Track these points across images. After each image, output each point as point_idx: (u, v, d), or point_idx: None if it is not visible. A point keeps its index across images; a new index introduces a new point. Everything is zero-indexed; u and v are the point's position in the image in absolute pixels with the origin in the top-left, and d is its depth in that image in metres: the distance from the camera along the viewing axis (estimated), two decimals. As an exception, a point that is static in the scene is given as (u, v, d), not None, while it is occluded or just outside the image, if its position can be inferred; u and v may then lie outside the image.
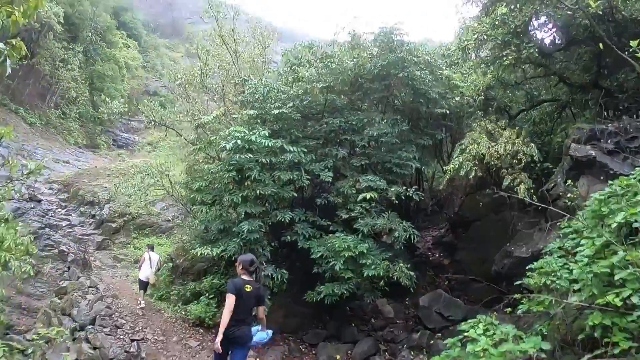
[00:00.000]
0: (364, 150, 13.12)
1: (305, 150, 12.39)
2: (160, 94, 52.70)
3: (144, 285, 14.42)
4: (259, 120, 13.05)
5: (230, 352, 6.21)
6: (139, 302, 14.06)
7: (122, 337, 11.62)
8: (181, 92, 17.44)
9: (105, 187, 25.86)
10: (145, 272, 14.35)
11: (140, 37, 67.41)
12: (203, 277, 14.14)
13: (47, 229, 20.54)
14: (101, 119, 47.61)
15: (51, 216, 22.19)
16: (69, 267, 18.17)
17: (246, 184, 11.82)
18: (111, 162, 36.06)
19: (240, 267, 6.38)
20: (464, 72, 15.68)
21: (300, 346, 12.75)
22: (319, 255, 11.40)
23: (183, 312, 13.38)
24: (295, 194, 12.48)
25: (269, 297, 11.56)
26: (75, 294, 14.80)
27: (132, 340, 11.41)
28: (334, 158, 12.75)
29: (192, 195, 13.28)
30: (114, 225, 23.29)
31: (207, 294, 13.31)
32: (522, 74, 14.59)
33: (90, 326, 12.16)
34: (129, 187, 17.61)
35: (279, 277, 11.61)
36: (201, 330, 12.79)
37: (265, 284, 11.45)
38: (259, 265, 6.69)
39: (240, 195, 11.74)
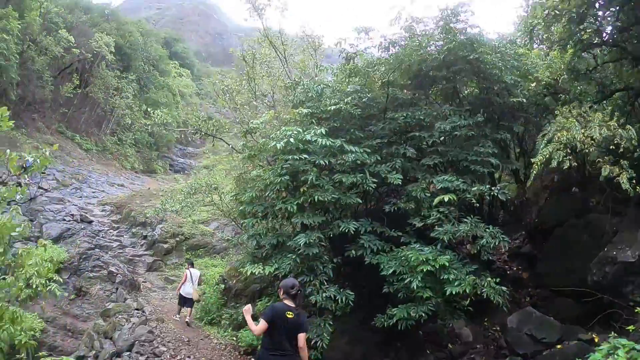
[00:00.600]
0: (435, 147, 11.02)
1: (369, 150, 10.40)
2: (215, 119, 52.02)
3: (183, 300, 13.74)
4: (313, 120, 11.19)
5: None
6: (175, 316, 13.75)
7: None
8: (227, 99, 15.90)
9: (157, 206, 24.68)
10: (187, 288, 13.56)
11: (192, 66, 67.95)
12: (257, 300, 12.34)
13: (96, 250, 19.33)
14: (158, 145, 47.81)
15: (102, 237, 21.05)
16: (117, 289, 16.78)
17: (302, 190, 9.94)
18: (165, 184, 35.26)
19: (281, 292, 5.93)
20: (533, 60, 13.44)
21: (369, 380, 10.58)
22: (390, 272, 9.29)
23: (234, 339, 11.53)
24: (359, 201, 10.42)
25: (330, 322, 9.56)
26: (119, 316, 13.41)
27: (170, 372, 9.64)
28: (402, 158, 10.66)
29: (241, 208, 11.50)
30: (165, 246, 21.91)
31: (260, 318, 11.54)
32: (593, 60, 12.31)
33: (127, 353, 10.66)
34: (176, 203, 16.11)
35: (344, 299, 9.53)
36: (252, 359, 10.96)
37: (328, 307, 9.43)
38: (300, 289, 6.01)
39: (295, 203, 9.85)
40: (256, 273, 9.87)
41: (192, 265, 14.67)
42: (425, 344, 11.21)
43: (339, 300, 9.50)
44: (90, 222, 21.83)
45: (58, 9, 37.92)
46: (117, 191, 30.44)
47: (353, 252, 9.94)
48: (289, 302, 5.74)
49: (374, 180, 10.07)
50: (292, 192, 10.20)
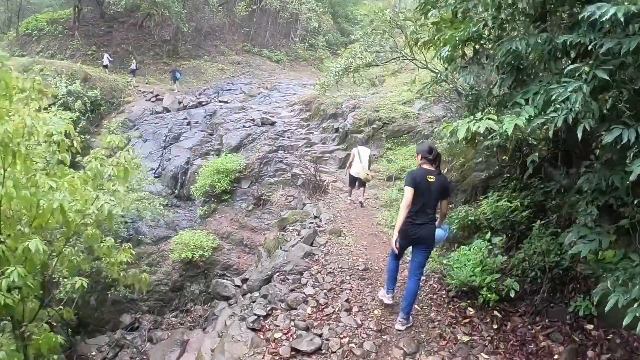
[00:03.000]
0: None
1: None
2: (407, 7, 45.23)
3: (353, 180, 11.09)
4: None
5: (412, 249, 4.96)
6: (347, 198, 11.46)
7: (282, 330, 4.90)
8: None
9: (349, 95, 19.73)
10: (356, 168, 10.72)
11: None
12: (480, 198, 6.54)
13: (279, 152, 15.44)
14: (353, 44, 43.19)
15: (287, 137, 17.12)
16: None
17: None
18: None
19: (419, 157, 4.99)
20: None
21: None
22: None
23: (441, 264, 5.85)
24: None
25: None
26: (290, 227, 9.19)
27: (294, 350, 4.49)
28: None
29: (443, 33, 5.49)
30: (359, 136, 16.83)
31: (486, 228, 5.83)
32: None
33: (257, 293, 6.27)
34: (341, 59, 10.73)
35: None
36: (471, 310, 5.13)
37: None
38: (439, 152, 4.94)
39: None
40: (481, 130, 3.83)
41: (362, 143, 11.83)
42: None
43: None
44: (273, 123, 18.10)
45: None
46: (309, 91, 26.57)
47: None
48: (428, 167, 4.85)
49: None
50: None
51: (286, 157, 15.09)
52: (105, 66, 23.85)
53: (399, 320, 4.86)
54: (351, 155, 10.97)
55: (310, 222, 9.12)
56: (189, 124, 18.31)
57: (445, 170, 8.42)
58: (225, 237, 12.37)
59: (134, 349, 10.55)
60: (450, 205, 6.22)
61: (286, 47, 38.22)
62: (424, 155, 4.87)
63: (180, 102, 20.40)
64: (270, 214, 12.48)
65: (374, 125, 16.95)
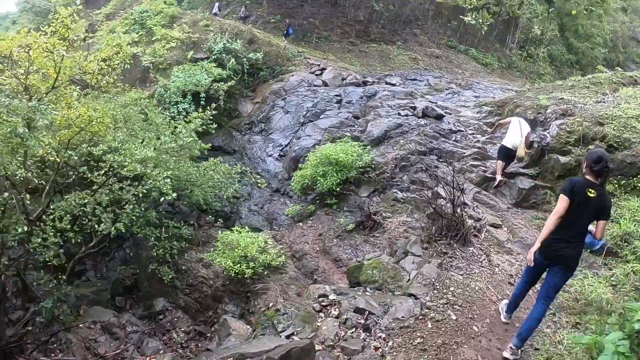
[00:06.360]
0: None
1: None
2: None
3: (507, 155, 8.50)
4: None
5: (548, 270, 4.10)
6: (496, 176, 8.72)
7: None
8: None
9: (561, 98, 12.81)
10: (514, 139, 8.35)
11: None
12: None
13: (429, 156, 10.01)
14: (581, 64, 34.10)
15: (453, 140, 11.50)
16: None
17: None
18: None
19: (584, 165, 4.10)
20: None
21: None
22: None
23: None
24: None
25: None
26: (338, 297, 4.31)
27: None
28: None
29: None
30: (563, 160, 9.77)
31: None
32: None
33: None
34: None
35: None
36: None
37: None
38: (608, 164, 3.91)
39: None
40: None
41: (526, 119, 9.03)
42: None
43: None
44: (439, 117, 12.41)
45: None
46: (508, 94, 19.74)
47: None
48: (590, 178, 3.96)
49: None
50: None
51: (436, 167, 9.58)
52: (215, 14, 23.00)
53: (510, 347, 4.09)
54: (507, 121, 9.04)
55: (358, 317, 3.91)
56: (339, 101, 14.00)
57: None
58: (298, 257, 7.68)
59: (110, 344, 6.73)
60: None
61: (500, 51, 31.19)
62: (589, 164, 3.95)
63: (343, 79, 16.26)
64: (373, 246, 7.30)
65: (592, 147, 9.85)
